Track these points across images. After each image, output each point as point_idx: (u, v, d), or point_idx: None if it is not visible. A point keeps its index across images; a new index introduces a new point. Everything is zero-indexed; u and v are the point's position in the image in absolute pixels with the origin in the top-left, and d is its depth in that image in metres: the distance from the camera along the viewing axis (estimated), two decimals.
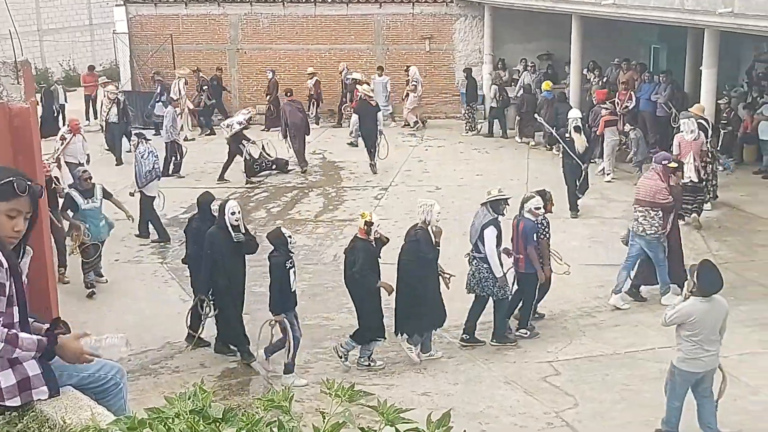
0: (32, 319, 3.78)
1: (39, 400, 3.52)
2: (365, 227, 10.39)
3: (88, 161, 17.17)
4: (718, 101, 18.42)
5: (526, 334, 11.38)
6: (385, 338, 10.72)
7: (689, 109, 16.32)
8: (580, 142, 15.94)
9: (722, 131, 18.74)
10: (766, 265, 13.80)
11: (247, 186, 19.19)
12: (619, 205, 16.50)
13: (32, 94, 7.12)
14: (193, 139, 23.45)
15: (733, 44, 19.86)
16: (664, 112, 20.67)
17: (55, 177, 13.60)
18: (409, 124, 24.54)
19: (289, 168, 20.31)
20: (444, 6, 25.91)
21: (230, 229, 10.55)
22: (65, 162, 16.45)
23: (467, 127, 23.88)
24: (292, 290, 10.33)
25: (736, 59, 22.12)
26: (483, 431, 9.02)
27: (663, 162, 12.18)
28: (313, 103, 25.06)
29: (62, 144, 16.89)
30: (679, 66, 21.77)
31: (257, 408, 2.33)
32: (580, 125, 16.19)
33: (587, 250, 14.03)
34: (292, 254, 10.49)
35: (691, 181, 14.80)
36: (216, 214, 10.84)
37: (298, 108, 20.50)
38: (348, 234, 15.66)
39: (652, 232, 11.97)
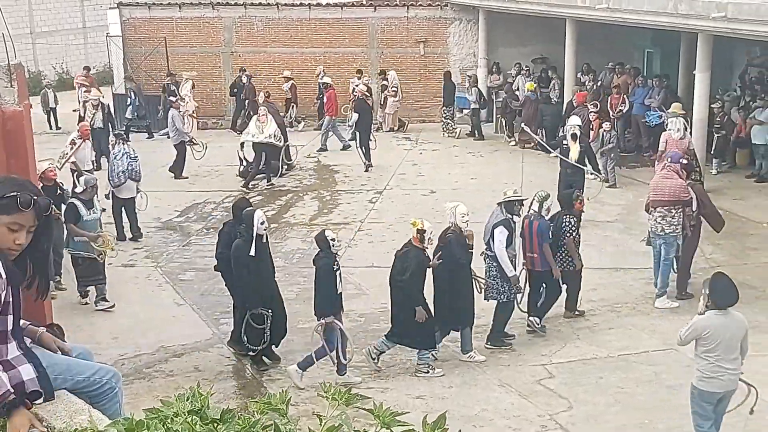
0: (27, 323, 3.78)
1: (34, 404, 3.52)
2: (418, 235, 10.32)
3: (98, 167, 17.13)
4: (712, 105, 18.48)
5: (537, 324, 11.51)
6: (436, 348, 10.67)
7: (669, 109, 17.43)
8: (576, 149, 15.62)
9: (716, 135, 18.80)
10: (759, 268, 13.85)
11: (242, 189, 19.19)
12: (612, 208, 16.54)
13: (26, 98, 7.12)
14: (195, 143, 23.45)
15: (726, 48, 19.93)
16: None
17: (60, 183, 13.42)
18: (393, 129, 24.50)
19: (283, 172, 20.33)
20: (438, 10, 25.96)
21: (254, 239, 10.40)
22: (71, 168, 16.18)
23: (444, 131, 24.07)
24: (339, 292, 10.36)
25: (729, 63, 22.19)
26: None
27: (681, 160, 12.53)
28: (292, 107, 25.06)
29: (71, 149, 16.54)
30: (673, 70, 21.85)
31: (253, 411, 2.34)
32: (578, 133, 15.85)
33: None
34: (337, 256, 10.53)
35: None
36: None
37: (275, 111, 20.68)
38: (343, 237, 15.70)
39: (671, 230, 12.23)
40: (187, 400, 2.22)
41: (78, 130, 17.10)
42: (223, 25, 26.50)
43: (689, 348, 10.77)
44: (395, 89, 24.12)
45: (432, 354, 10.60)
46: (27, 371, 3.53)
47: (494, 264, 10.98)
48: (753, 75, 21.73)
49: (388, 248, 14.59)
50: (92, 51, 37.51)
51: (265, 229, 10.62)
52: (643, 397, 9.83)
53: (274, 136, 19.12)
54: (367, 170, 20.18)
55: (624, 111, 21.16)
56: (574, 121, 16.34)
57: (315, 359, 10.30)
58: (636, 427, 9.18)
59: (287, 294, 13.20)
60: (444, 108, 24.12)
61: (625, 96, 21.22)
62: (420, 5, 26.03)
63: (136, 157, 15.93)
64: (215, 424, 2.19)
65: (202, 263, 14.10)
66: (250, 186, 19.22)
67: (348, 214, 17.24)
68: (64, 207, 12.68)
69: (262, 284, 10.58)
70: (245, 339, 10.66)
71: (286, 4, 26.35)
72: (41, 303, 6.64)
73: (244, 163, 20.05)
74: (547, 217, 11.51)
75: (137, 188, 15.74)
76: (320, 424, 2.26)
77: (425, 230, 10.28)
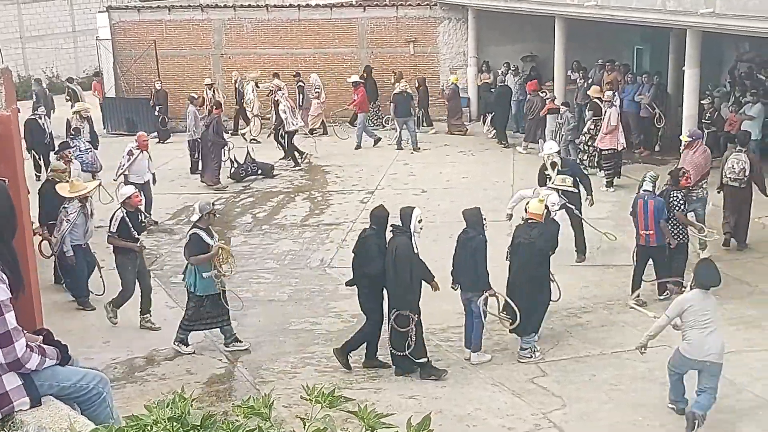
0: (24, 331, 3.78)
1: (20, 410, 3.50)
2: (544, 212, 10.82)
3: (154, 181, 16.53)
4: (701, 101, 18.51)
5: (641, 301, 12.28)
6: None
7: (588, 92, 19.87)
8: (560, 181, 13.36)
9: (706, 131, 18.82)
10: (751, 263, 13.87)
11: (232, 191, 19.17)
12: (603, 205, 16.52)
13: (13, 102, 7.09)
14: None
15: (715, 44, 19.96)
16: (647, 112, 20.77)
17: (141, 209, 12.80)
18: (313, 131, 24.00)
19: (275, 173, 20.32)
20: (428, 9, 25.94)
21: (414, 236, 10.39)
22: (129, 182, 15.38)
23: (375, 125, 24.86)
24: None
25: (718, 59, 22.23)
26: None
27: (698, 136, 14.97)
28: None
29: (128, 160, 16.04)
30: (662, 66, 21.87)
31: (237, 415, 2.32)
32: (557, 161, 13.95)
33: (572, 252, 14.03)
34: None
35: (623, 147, 18.26)
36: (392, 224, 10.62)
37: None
38: (334, 238, 15.68)
39: (705, 194, 14.35)
40: (167, 407, 2.19)
41: (136, 140, 16.34)
42: (213, 27, 26.45)
43: (682, 344, 10.82)
44: (318, 91, 24.07)
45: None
46: (11, 380, 3.52)
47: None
48: (742, 70, 21.77)
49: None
50: (82, 55, 37.44)
51: (421, 228, 10.58)
52: (636, 394, 9.83)
53: None
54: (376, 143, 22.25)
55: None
56: (549, 148, 14.28)
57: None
58: (629, 424, 9.18)
59: (279, 296, 13.21)
60: (371, 104, 24.64)
61: (615, 93, 21.21)
62: (409, 5, 26.01)
63: (89, 149, 16.57)
64: (196, 431, 2.16)
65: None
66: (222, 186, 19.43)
67: (339, 215, 17.22)
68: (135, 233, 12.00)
69: (419, 284, 10.40)
70: (390, 345, 10.38)
71: (275, 6, 26.32)
72: (31, 306, 6.61)
73: (235, 165, 20.03)
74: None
75: (95, 176, 16.23)
76: (304, 428, 2.25)
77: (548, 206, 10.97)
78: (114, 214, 12.03)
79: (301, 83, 24.53)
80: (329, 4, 26.31)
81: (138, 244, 11.96)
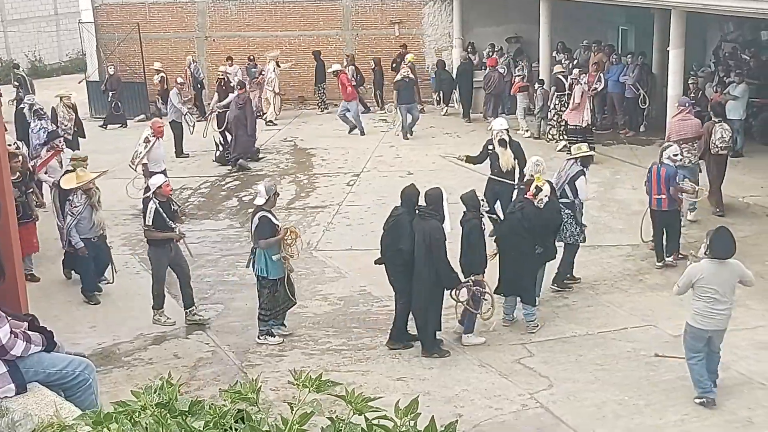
0: (9, 317, 3.75)
1: (6, 397, 3.49)
2: (534, 191, 11.02)
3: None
4: (688, 82, 18.55)
5: (673, 262, 12.90)
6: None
7: (554, 70, 20.45)
8: (506, 159, 13.82)
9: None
10: (738, 245, 13.90)
11: (218, 174, 19.11)
12: (588, 186, 16.53)
13: None
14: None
15: (699, 25, 19.99)
16: (632, 93, 20.80)
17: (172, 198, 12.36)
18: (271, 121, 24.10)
19: (260, 156, 20.25)
20: None
21: (447, 217, 10.48)
22: (149, 170, 15.17)
23: (320, 108, 25.18)
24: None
25: (702, 39, 22.27)
26: (458, 414, 9.05)
27: (687, 103, 15.59)
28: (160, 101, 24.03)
29: (145, 147, 15.67)
30: (647, 47, 21.88)
31: (225, 400, 2.32)
32: (507, 138, 14.06)
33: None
34: (483, 216, 10.97)
35: (587, 123, 18.74)
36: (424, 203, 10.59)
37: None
38: (321, 221, 15.67)
39: (694, 160, 14.75)
40: (155, 393, 2.19)
41: (150, 127, 15.95)
42: (197, 10, 26.27)
43: (668, 324, 10.91)
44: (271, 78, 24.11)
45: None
46: None
47: (567, 211, 11.97)
48: (727, 50, 21.82)
49: (366, 231, 14.60)
50: (65, 38, 37.12)
51: (463, 219, 10.70)
52: (622, 373, 9.89)
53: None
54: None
55: (599, 89, 21.19)
56: (500, 125, 14.38)
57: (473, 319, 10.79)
58: (616, 404, 9.24)
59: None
60: (315, 86, 25.17)
61: (600, 74, 21.24)
62: None
63: (52, 129, 16.29)
64: (184, 416, 2.16)
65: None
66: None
67: (325, 198, 17.19)
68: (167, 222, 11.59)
69: (450, 263, 10.44)
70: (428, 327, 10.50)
71: None
72: (16, 292, 6.59)
73: (221, 148, 19.96)
74: (676, 164, 12.91)
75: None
76: (291, 412, 2.25)
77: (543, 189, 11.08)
78: (147, 206, 11.45)
79: (254, 68, 24.45)
80: None
81: (177, 233, 11.62)
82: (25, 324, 3.83)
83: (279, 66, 23.86)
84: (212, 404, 2.28)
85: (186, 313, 11.70)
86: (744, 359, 10.07)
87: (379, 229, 11.04)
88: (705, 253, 8.92)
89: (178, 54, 25.94)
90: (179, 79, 21.45)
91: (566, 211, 11.98)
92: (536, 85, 20.86)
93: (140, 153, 15.73)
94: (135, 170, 15.88)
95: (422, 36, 26.04)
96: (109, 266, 12.79)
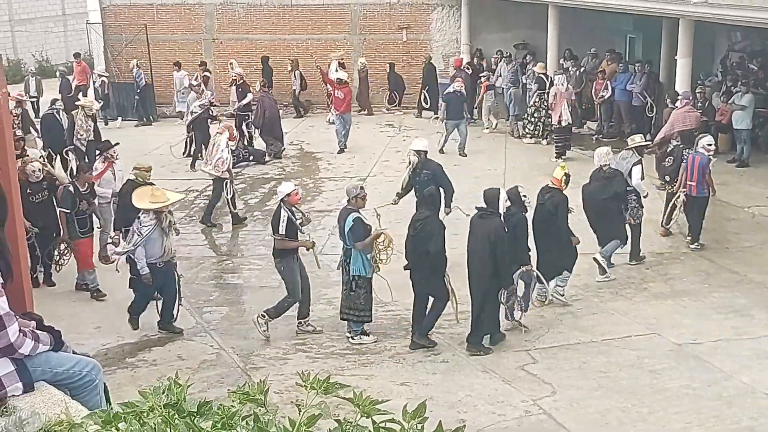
0: (17, 316, 3.77)
1: (13, 395, 3.51)
2: (563, 178, 11.75)
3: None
4: (695, 91, 18.54)
5: (696, 245, 13.89)
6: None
7: (534, 68, 21.22)
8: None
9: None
10: (740, 252, 13.94)
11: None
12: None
13: (3, 86, 7.04)
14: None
15: (707, 34, 19.97)
16: (639, 101, 20.79)
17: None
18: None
19: (266, 159, 20.29)
20: None
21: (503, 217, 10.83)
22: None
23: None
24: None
25: (710, 49, 22.24)
26: (461, 420, 9.05)
27: (689, 96, 16.67)
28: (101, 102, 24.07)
29: (229, 152, 15.85)
30: (655, 55, 21.87)
31: (232, 401, 2.33)
32: (413, 159, 13.82)
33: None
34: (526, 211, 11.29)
35: (567, 122, 19.50)
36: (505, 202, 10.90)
37: (272, 101, 20.86)
38: (326, 225, 15.69)
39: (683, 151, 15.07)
40: (163, 393, 2.20)
41: (222, 128, 16.17)
42: (205, 12, 26.33)
43: (672, 333, 10.91)
44: (234, 79, 24.12)
45: None
46: (4, 366, 3.52)
47: (633, 196, 13.05)
48: (734, 60, 21.79)
49: None
50: (72, 38, 37.20)
51: (508, 214, 10.92)
52: (625, 381, 9.88)
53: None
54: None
55: (606, 97, 21.22)
56: (416, 145, 13.96)
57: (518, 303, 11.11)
58: (619, 411, 9.23)
59: (271, 282, 13.20)
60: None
61: (607, 82, 21.26)
62: None
63: None
64: (192, 417, 2.17)
65: (185, 252, 14.02)
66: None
67: (332, 202, 17.18)
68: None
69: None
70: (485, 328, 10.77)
71: None
72: (22, 292, 6.59)
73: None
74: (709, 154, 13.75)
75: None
76: (299, 414, 2.26)
77: (569, 174, 11.92)
78: (279, 215, 11.16)
79: (206, 74, 24.47)
80: None
81: (310, 241, 11.55)
82: (33, 323, 3.85)
83: (343, 67, 23.20)
84: (220, 405, 2.30)
85: (300, 323, 11.53)
86: (747, 369, 10.06)
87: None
88: None
89: (185, 56, 25.98)
90: (193, 82, 21.44)
91: (632, 196, 13.07)
92: (509, 86, 22.08)
93: (226, 158, 15.67)
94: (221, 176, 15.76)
95: (430, 41, 26.06)
96: (176, 303, 11.53)
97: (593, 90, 21.58)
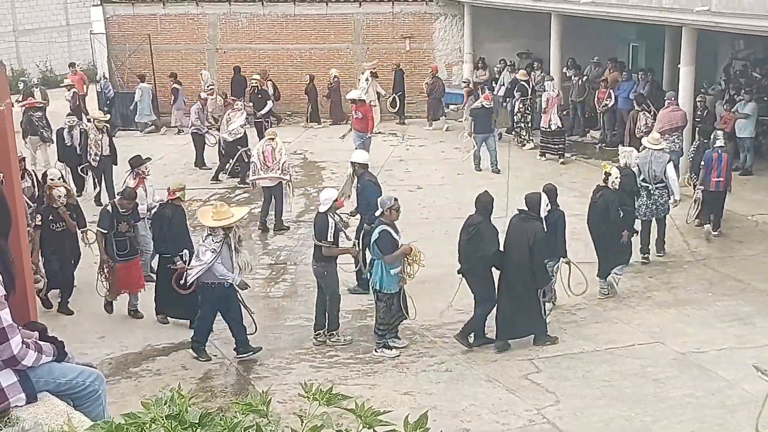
0: (20, 327, 3.78)
1: (16, 406, 3.51)
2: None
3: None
4: (695, 99, 18.55)
5: (715, 233, 14.73)
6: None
7: (516, 75, 22.30)
8: (347, 187, 14.12)
9: (697, 128, 18.86)
10: (744, 260, 13.91)
11: (227, 187, 19.15)
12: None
13: (7, 96, 7.07)
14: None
15: (710, 42, 19.99)
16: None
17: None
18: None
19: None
20: (424, 5, 25.93)
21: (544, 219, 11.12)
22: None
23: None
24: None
25: (713, 57, 22.26)
26: (465, 429, 9.05)
27: (674, 97, 17.29)
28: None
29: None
30: (658, 64, 21.89)
31: (235, 412, 2.33)
32: (349, 171, 14.11)
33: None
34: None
35: (558, 127, 19.98)
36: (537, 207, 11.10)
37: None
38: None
39: (680, 146, 16.75)
40: (165, 404, 2.20)
41: (271, 134, 16.31)
42: (208, 22, 26.41)
43: (675, 341, 10.89)
44: (212, 88, 24.14)
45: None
46: (7, 377, 3.52)
47: (664, 191, 13.53)
48: (737, 68, 21.80)
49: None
50: (76, 49, 37.32)
51: (548, 210, 11.24)
52: (629, 390, 9.86)
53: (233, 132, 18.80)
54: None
55: (609, 105, 21.23)
56: (355, 157, 14.00)
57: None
58: (623, 420, 9.21)
59: (274, 292, 13.22)
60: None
61: (611, 90, 21.28)
62: (405, 1, 26.00)
63: None
64: (194, 428, 2.17)
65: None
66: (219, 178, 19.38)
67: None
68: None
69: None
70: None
71: (270, 1, 26.26)
72: (25, 303, 6.60)
73: (231, 161, 20.00)
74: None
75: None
76: (302, 425, 2.26)
77: (609, 173, 12.49)
78: (326, 222, 11.07)
79: (176, 86, 24.52)
80: None
81: (355, 248, 11.45)
82: (36, 334, 3.85)
83: (376, 76, 22.88)
84: (223, 416, 2.30)
85: (318, 334, 11.47)
86: (750, 377, 9.98)
87: None
88: None
89: (189, 66, 26.06)
90: (202, 94, 21.43)
91: (664, 191, 13.55)
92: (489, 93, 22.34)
93: (285, 162, 15.85)
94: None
95: (433, 50, 26.11)
96: (252, 323, 11.13)
97: (596, 98, 21.58)
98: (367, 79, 22.38)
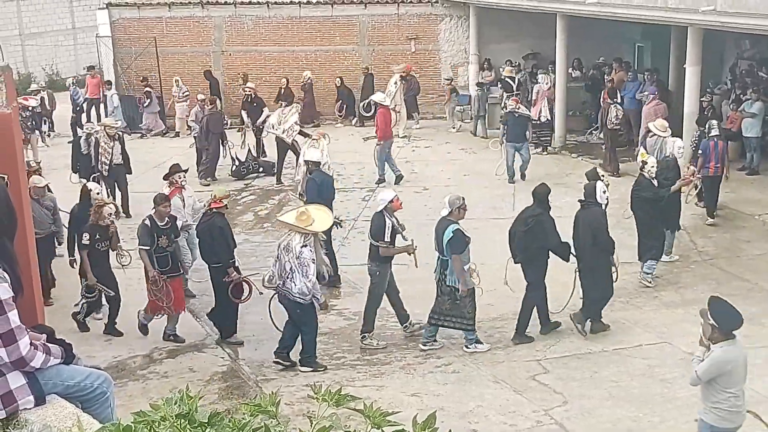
0: (28, 329, 3.79)
1: (25, 409, 3.52)
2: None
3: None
4: (700, 99, 18.52)
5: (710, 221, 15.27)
6: None
7: (502, 73, 23.58)
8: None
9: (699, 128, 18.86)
10: (751, 260, 13.88)
11: (234, 189, 19.16)
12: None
13: (14, 100, 7.09)
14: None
15: (716, 42, 19.95)
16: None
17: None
18: (179, 134, 24.44)
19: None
20: (429, 6, 25.94)
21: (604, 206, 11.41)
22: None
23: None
24: None
25: (719, 57, 22.21)
26: (473, 430, 9.04)
27: (655, 91, 19.37)
28: (44, 121, 23.91)
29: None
30: (663, 64, 21.86)
31: (244, 413, 2.33)
32: (303, 169, 14.30)
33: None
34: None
35: (546, 119, 20.82)
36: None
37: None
38: (336, 235, 15.65)
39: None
40: (175, 404, 2.20)
41: (319, 134, 15.81)
42: (214, 25, 26.44)
43: (683, 341, 10.85)
44: (186, 94, 24.20)
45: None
46: (15, 379, 3.53)
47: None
48: (743, 68, 21.75)
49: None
50: (82, 52, 37.38)
51: (607, 198, 11.47)
52: (637, 390, 9.84)
53: (287, 131, 18.71)
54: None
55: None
56: (312, 155, 14.14)
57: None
58: (630, 421, 9.19)
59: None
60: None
61: (617, 90, 21.23)
62: (410, 2, 26.00)
63: None
64: (204, 428, 2.17)
65: (196, 263, 13.99)
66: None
67: (341, 212, 17.15)
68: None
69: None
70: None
71: (276, 3, 26.28)
72: (33, 306, 6.62)
73: (236, 162, 20.05)
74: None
75: None
76: (311, 426, 2.26)
77: (645, 162, 12.94)
78: (383, 223, 11.08)
79: (148, 89, 24.54)
80: (330, 1, 26.27)
81: (412, 246, 11.34)
82: (44, 336, 3.86)
83: (406, 80, 22.99)
84: (232, 417, 2.30)
85: (406, 326, 11.62)
86: (760, 378, 9.98)
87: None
88: (711, 338, 7.23)
89: (194, 68, 26.10)
90: (200, 96, 21.46)
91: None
92: (476, 89, 23.52)
93: (329, 163, 15.66)
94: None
95: (438, 52, 26.12)
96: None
97: (602, 99, 21.53)
98: (395, 83, 22.42)
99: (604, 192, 11.43)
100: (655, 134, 14.63)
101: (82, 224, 11.71)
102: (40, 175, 13.54)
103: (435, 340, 11.21)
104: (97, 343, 11.44)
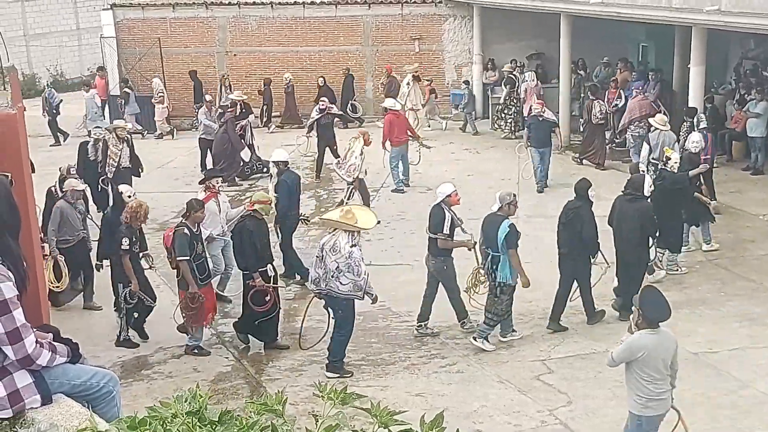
0: (34, 328, 3.80)
1: (32, 408, 3.53)
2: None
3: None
4: (705, 99, 18.52)
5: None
6: None
7: (503, 69, 23.93)
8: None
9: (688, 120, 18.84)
10: (755, 260, 13.87)
11: (238, 189, 19.19)
12: (608, 203, 16.51)
13: (19, 100, 7.11)
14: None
15: (720, 42, 19.93)
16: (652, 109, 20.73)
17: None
18: (162, 135, 24.58)
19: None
20: (433, 6, 25.94)
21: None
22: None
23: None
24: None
25: (723, 57, 22.20)
26: (477, 430, 9.05)
27: (640, 86, 20.00)
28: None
29: (362, 159, 16.10)
30: (667, 64, 21.85)
31: (250, 412, 2.34)
32: (273, 171, 14.33)
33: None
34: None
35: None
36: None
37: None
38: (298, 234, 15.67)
39: (645, 133, 17.13)
40: (185, 402, 2.22)
41: (360, 136, 16.29)
42: (218, 25, 26.46)
43: (686, 341, 10.84)
44: (161, 95, 24.15)
45: None
46: (22, 378, 3.54)
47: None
48: (747, 68, 21.73)
49: (385, 246, 14.62)
50: (86, 53, 37.45)
51: (651, 191, 11.90)
52: None
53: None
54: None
55: (619, 105, 21.19)
56: (276, 155, 14.26)
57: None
58: None
59: (285, 293, 13.22)
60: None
61: (621, 90, 21.26)
62: (414, 2, 26.00)
63: None
64: (214, 426, 2.18)
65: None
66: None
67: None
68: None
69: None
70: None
71: (280, 3, 26.28)
72: (38, 305, 6.64)
73: (241, 163, 20.06)
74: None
75: None
76: (317, 425, 2.26)
77: (669, 157, 13.20)
78: (442, 215, 11.15)
79: (126, 90, 24.58)
80: (334, 1, 26.27)
81: (472, 240, 11.34)
82: (50, 335, 3.87)
83: (419, 80, 22.93)
84: (240, 415, 2.31)
85: (420, 326, 11.58)
86: (763, 378, 10.01)
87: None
88: (637, 323, 7.55)
89: (199, 69, 26.11)
90: (207, 97, 21.45)
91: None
92: (462, 86, 24.24)
93: (358, 166, 16.09)
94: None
95: (442, 52, 26.12)
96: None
97: (606, 99, 21.54)
98: (408, 83, 22.40)
99: (650, 186, 11.92)
100: (657, 129, 15.31)
101: (116, 229, 11.45)
102: (75, 178, 13.41)
103: (488, 340, 11.14)
104: (102, 343, 11.46)
